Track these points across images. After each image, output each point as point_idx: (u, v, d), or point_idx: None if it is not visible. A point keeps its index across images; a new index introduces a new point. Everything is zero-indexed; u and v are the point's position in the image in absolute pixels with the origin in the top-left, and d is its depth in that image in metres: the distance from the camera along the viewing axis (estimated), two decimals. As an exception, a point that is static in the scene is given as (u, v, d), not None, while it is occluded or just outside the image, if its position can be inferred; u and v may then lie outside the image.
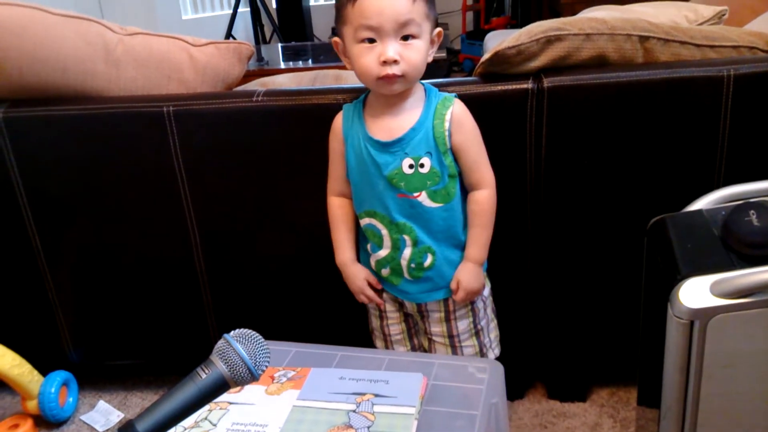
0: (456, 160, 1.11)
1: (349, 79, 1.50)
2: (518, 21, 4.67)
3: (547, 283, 1.37)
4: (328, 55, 3.37)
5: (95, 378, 1.65)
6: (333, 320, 1.43)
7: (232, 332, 0.67)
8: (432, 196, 1.10)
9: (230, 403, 0.91)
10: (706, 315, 0.86)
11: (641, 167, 1.26)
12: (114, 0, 4.39)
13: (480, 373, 0.95)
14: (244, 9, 4.52)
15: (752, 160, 1.23)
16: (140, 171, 1.35)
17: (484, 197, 1.14)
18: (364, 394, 0.90)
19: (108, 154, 1.35)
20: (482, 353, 1.24)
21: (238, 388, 0.88)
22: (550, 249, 1.34)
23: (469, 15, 4.88)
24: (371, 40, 1.03)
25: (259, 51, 3.45)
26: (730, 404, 0.92)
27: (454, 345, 1.22)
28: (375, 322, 1.27)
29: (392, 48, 1.02)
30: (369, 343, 1.32)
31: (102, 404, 1.58)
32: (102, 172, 1.37)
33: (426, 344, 1.26)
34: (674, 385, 0.93)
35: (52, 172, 1.38)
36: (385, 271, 1.17)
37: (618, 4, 1.95)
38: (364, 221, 1.16)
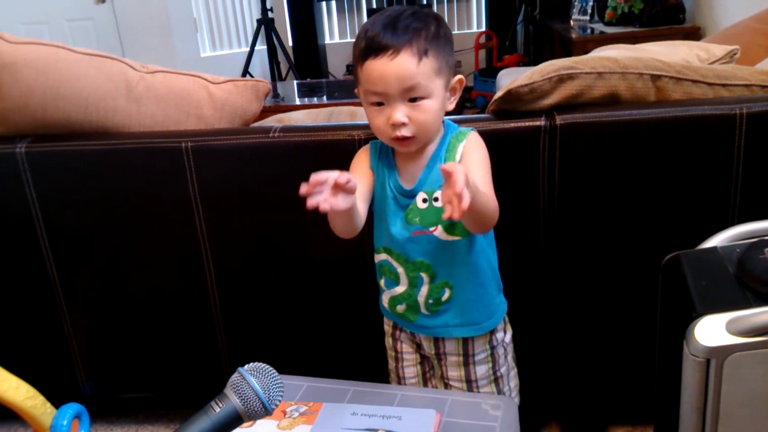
0: None
1: (364, 116, 1.52)
2: (530, 59, 4.74)
3: (562, 320, 1.36)
4: (343, 92, 3.42)
5: (107, 411, 1.65)
6: (346, 355, 1.42)
7: (246, 366, 0.68)
8: (449, 230, 1.09)
9: (242, 438, 0.90)
10: (722, 353, 0.85)
11: (655, 204, 1.26)
12: (135, 39, 4.51)
13: (494, 410, 0.94)
14: (261, 47, 4.62)
15: (766, 197, 1.23)
16: (158, 205, 1.37)
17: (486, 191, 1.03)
18: (376, 430, 0.89)
19: (127, 188, 1.37)
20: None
21: (251, 422, 0.88)
22: (565, 286, 1.33)
23: (482, 53, 4.95)
24: (380, 103, 1.02)
25: (275, 88, 3.51)
26: (749, 445, 0.90)
27: (471, 390, 1.18)
28: (391, 364, 1.25)
29: (400, 112, 1.00)
30: (382, 379, 1.31)
31: (113, 438, 1.58)
32: (120, 206, 1.39)
33: (442, 388, 1.22)
34: (691, 425, 0.91)
35: (71, 205, 1.40)
36: (400, 308, 1.15)
37: (629, 43, 1.97)
38: (381, 257, 1.15)
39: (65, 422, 1.46)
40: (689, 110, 1.22)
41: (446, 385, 1.21)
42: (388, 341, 1.24)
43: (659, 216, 1.26)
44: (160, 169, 1.34)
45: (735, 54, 1.72)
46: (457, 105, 1.11)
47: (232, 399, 0.64)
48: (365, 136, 1.26)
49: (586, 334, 1.37)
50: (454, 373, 1.18)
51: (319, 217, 1.34)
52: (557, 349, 1.39)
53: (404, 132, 1.02)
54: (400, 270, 1.12)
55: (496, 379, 1.20)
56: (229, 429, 0.65)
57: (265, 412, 0.65)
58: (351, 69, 1.08)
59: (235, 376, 0.66)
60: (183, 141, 1.31)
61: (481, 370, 1.18)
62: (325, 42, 5.33)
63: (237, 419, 0.65)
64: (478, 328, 1.15)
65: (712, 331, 0.86)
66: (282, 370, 0.72)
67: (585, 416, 1.47)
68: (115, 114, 1.36)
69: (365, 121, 1.36)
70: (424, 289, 1.12)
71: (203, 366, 1.50)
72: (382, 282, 1.17)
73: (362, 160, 1.14)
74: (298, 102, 3.38)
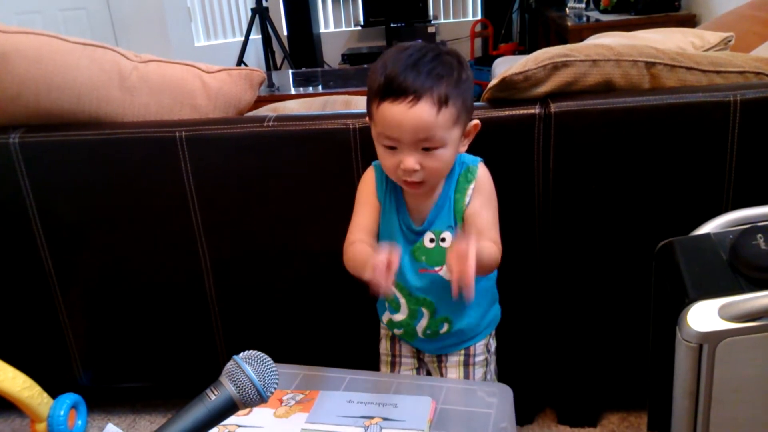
0: (469, 225, 1.05)
1: (359, 104, 1.52)
2: (526, 47, 4.73)
3: (556, 307, 1.37)
4: (338, 81, 3.41)
5: (104, 401, 1.65)
6: (342, 344, 1.43)
7: (241, 354, 0.68)
8: None
9: (239, 426, 0.91)
10: (714, 339, 0.86)
11: (649, 191, 1.26)
12: (128, 28, 4.48)
13: (489, 397, 0.94)
14: (256, 36, 4.59)
15: (759, 184, 1.23)
16: (152, 195, 1.37)
17: (492, 246, 1.02)
18: (372, 417, 0.90)
19: (121, 178, 1.37)
20: None
21: (247, 410, 0.88)
22: (559, 273, 1.34)
23: (478, 41, 4.94)
24: (393, 147, 0.99)
25: (270, 77, 3.49)
26: (740, 429, 0.91)
27: None
28: (384, 370, 1.23)
29: (412, 159, 0.97)
30: (377, 367, 1.32)
31: (111, 427, 1.57)
32: (114, 196, 1.38)
33: None
34: (684, 410, 0.92)
35: (66, 196, 1.40)
36: (398, 331, 1.16)
37: (624, 31, 1.97)
38: None
39: (62, 412, 1.47)
40: (683, 97, 1.22)
41: None
42: (385, 345, 1.23)
43: (653, 203, 1.27)
44: (154, 159, 1.34)
45: (729, 41, 1.72)
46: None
47: (227, 386, 0.65)
48: (360, 125, 1.26)
49: (581, 320, 1.38)
50: (453, 375, 1.18)
51: (314, 208, 1.34)
52: (552, 336, 1.40)
53: (415, 178, 0.99)
54: (402, 301, 1.11)
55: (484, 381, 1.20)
56: (225, 416, 0.65)
57: (261, 399, 0.66)
58: (367, 104, 1.03)
59: (230, 364, 0.66)
60: (177, 131, 1.31)
61: (479, 373, 1.19)
62: (320, 31, 5.30)
63: (232, 407, 0.65)
64: (473, 340, 1.16)
65: (704, 316, 0.87)
66: (278, 359, 0.73)
67: (579, 402, 1.48)
68: (108, 104, 1.36)
69: (360, 110, 1.35)
70: (423, 322, 1.12)
71: (200, 356, 1.51)
72: (386, 304, 1.15)
73: (369, 189, 1.11)
74: (292, 91, 3.36)
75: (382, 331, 1.23)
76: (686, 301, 0.89)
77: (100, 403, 1.64)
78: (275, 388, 0.67)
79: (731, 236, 0.96)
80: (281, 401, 0.95)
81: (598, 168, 1.25)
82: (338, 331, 1.43)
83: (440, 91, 0.95)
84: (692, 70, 1.28)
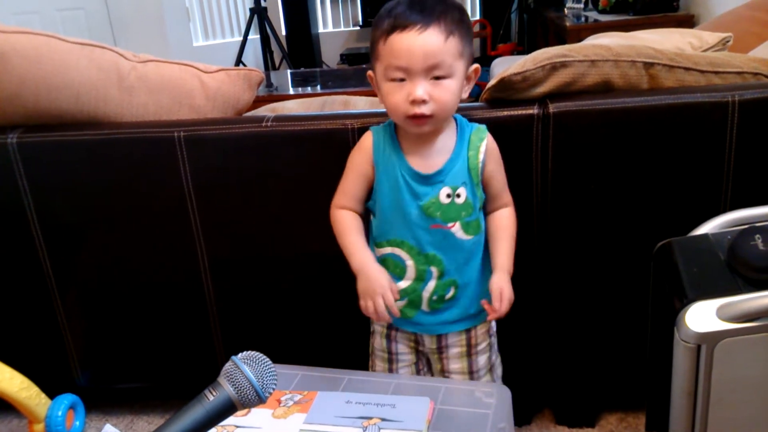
0: (484, 188, 1.11)
1: (358, 105, 1.52)
2: (524, 47, 4.73)
3: (555, 307, 1.37)
4: (337, 81, 3.41)
5: (102, 401, 1.65)
6: (340, 344, 1.43)
7: (240, 354, 0.68)
8: (465, 228, 1.09)
9: (237, 427, 0.91)
10: (712, 339, 0.86)
11: (647, 192, 1.26)
12: (126, 28, 4.48)
13: (487, 398, 0.94)
14: (254, 36, 4.59)
15: (758, 184, 1.23)
16: (151, 195, 1.37)
17: (509, 212, 1.15)
18: (370, 418, 0.90)
19: (119, 178, 1.37)
20: None
21: (245, 411, 0.88)
22: (558, 273, 1.34)
23: (476, 41, 4.93)
24: (401, 79, 1.01)
25: (268, 77, 3.49)
26: (738, 429, 0.91)
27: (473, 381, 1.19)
28: (380, 366, 1.22)
29: (421, 88, 1.00)
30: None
31: (109, 428, 1.57)
32: (113, 196, 1.38)
33: None
34: (682, 410, 0.92)
35: (64, 196, 1.40)
36: (400, 304, 1.13)
37: (623, 31, 1.97)
38: (385, 250, 1.12)
39: (60, 413, 1.47)
40: (682, 98, 1.22)
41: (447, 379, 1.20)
42: (381, 342, 1.22)
43: (651, 203, 1.27)
44: (152, 159, 1.34)
45: (728, 41, 1.73)
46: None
47: (225, 387, 0.65)
48: (359, 125, 1.26)
49: (579, 320, 1.38)
50: (456, 365, 1.18)
51: (313, 208, 1.34)
52: (550, 336, 1.40)
53: (423, 109, 1.01)
54: (410, 263, 1.11)
55: (491, 368, 1.20)
56: (223, 417, 0.65)
57: (259, 400, 0.66)
58: (369, 50, 1.08)
59: (228, 365, 0.66)
60: (175, 131, 1.31)
61: (482, 360, 1.19)
62: (319, 31, 5.30)
63: (231, 407, 0.65)
64: (476, 320, 1.16)
65: (702, 317, 0.87)
66: (276, 359, 0.73)
67: (578, 403, 1.49)
68: (106, 104, 1.36)
69: (359, 110, 1.36)
70: (431, 285, 1.11)
71: (198, 356, 1.51)
72: None
73: (362, 157, 1.12)
74: (291, 91, 3.37)
75: (377, 327, 1.22)
76: (684, 302, 0.90)
77: (98, 403, 1.64)
78: (273, 389, 0.67)
79: (729, 237, 0.97)
80: (279, 402, 0.95)
81: (597, 168, 1.26)
82: (337, 331, 1.43)
83: (446, 22, 1.00)
84: (690, 70, 1.28)
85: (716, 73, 1.29)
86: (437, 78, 1.01)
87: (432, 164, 1.08)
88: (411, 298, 1.13)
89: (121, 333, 1.52)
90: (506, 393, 0.96)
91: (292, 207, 1.35)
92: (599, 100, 1.23)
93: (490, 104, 1.28)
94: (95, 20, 4.44)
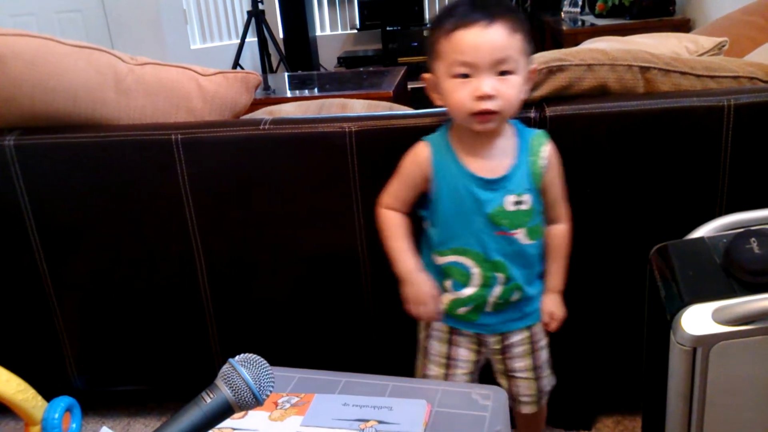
0: (545, 193, 1.12)
1: (355, 108, 1.53)
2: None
3: (551, 310, 1.37)
4: (334, 84, 3.41)
5: (99, 404, 1.65)
6: (337, 346, 1.43)
7: (237, 357, 0.68)
8: (530, 234, 1.09)
9: (234, 429, 0.91)
10: (708, 342, 0.86)
11: (643, 195, 1.27)
12: (124, 31, 4.48)
13: (484, 400, 0.94)
14: (252, 39, 4.59)
15: (753, 188, 1.24)
16: (148, 198, 1.37)
17: (565, 230, 1.16)
18: (367, 420, 0.90)
19: (116, 181, 1.37)
20: (550, 382, 1.24)
21: (242, 413, 0.88)
22: (554, 276, 1.34)
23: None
24: (465, 75, 1.00)
25: (266, 80, 3.49)
26: (734, 432, 0.91)
27: (538, 377, 1.20)
28: (435, 371, 1.20)
29: (488, 83, 0.99)
30: (372, 370, 1.31)
31: (105, 430, 1.58)
32: (110, 199, 1.38)
33: (505, 383, 1.21)
34: (678, 413, 0.92)
35: (61, 198, 1.40)
36: (463, 310, 1.13)
37: (619, 35, 1.98)
38: (448, 259, 1.11)
39: (56, 416, 1.46)
40: (678, 102, 1.23)
41: (510, 378, 1.20)
42: (440, 347, 1.19)
43: (648, 206, 1.27)
44: (149, 162, 1.34)
45: (723, 46, 1.73)
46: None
47: (222, 389, 0.65)
48: (356, 128, 1.26)
49: (575, 324, 1.38)
50: (522, 363, 1.19)
51: (310, 211, 1.34)
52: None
53: (490, 105, 1.00)
54: (475, 270, 1.10)
55: (548, 361, 1.23)
56: (220, 419, 0.65)
57: (256, 402, 0.66)
58: (429, 49, 1.07)
59: (225, 367, 0.66)
60: (173, 133, 1.31)
61: (544, 355, 1.20)
62: (316, 34, 5.31)
63: (228, 410, 0.65)
64: (535, 316, 1.18)
65: (698, 320, 0.87)
66: (274, 362, 0.73)
67: (574, 406, 1.49)
68: (104, 106, 1.36)
69: (356, 113, 1.36)
70: (497, 290, 1.11)
71: (195, 359, 1.50)
72: (448, 284, 1.13)
73: (417, 169, 1.11)
74: (288, 94, 3.36)
75: (436, 332, 1.19)
76: (680, 305, 0.90)
77: (94, 406, 1.63)
78: (271, 391, 0.67)
79: (725, 240, 0.97)
80: (276, 404, 0.95)
81: (593, 172, 1.26)
82: (334, 334, 1.43)
83: (510, 19, 1.00)
84: (686, 74, 1.28)
85: (712, 77, 1.29)
86: (503, 73, 1.00)
87: (494, 168, 1.07)
88: (477, 303, 1.12)
89: (118, 335, 1.51)
90: (503, 395, 0.96)
91: (289, 210, 1.35)
92: (595, 103, 1.23)
93: (487, 108, 1.28)
94: (92, 23, 4.44)
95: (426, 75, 1.09)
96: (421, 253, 1.15)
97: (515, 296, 1.13)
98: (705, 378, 0.88)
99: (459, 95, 1.01)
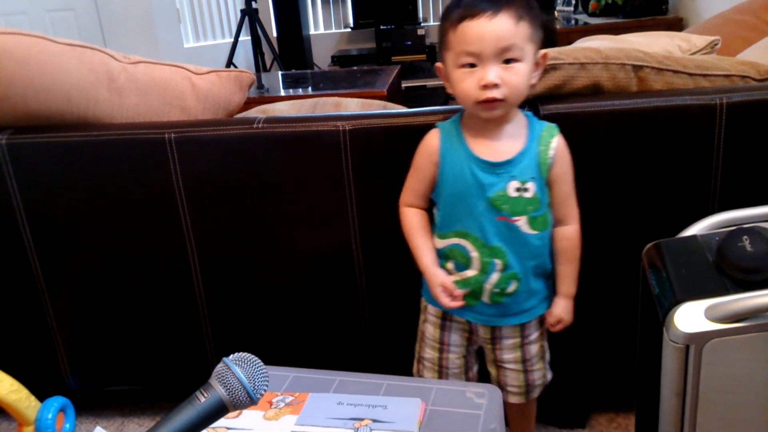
0: (552, 187, 1.12)
1: (349, 106, 1.52)
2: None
3: (545, 308, 1.37)
4: (328, 83, 3.41)
5: (92, 404, 1.64)
6: (331, 345, 1.43)
7: (231, 356, 0.68)
8: (531, 223, 1.10)
9: (228, 429, 0.91)
10: (701, 339, 0.86)
11: (636, 194, 1.27)
12: (116, 29, 4.46)
13: (478, 398, 0.95)
14: (245, 37, 4.58)
15: (745, 186, 1.24)
16: (141, 197, 1.37)
17: (575, 232, 1.16)
18: (362, 419, 0.90)
19: (109, 180, 1.36)
20: (544, 375, 1.24)
21: (237, 412, 0.88)
22: (548, 274, 1.34)
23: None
24: (472, 65, 1.03)
25: (259, 79, 3.48)
26: (727, 429, 0.92)
27: (527, 369, 1.21)
28: (430, 353, 1.23)
29: (493, 72, 1.01)
30: (367, 369, 1.32)
31: (99, 430, 1.57)
32: (103, 197, 1.38)
33: (494, 372, 1.24)
34: (671, 411, 0.93)
35: (54, 197, 1.39)
36: (461, 292, 1.14)
37: (612, 34, 1.99)
38: (450, 241, 1.13)
39: (50, 416, 1.46)
40: (670, 100, 1.23)
41: (499, 368, 1.22)
42: (434, 332, 1.22)
43: (640, 205, 1.28)
44: (143, 161, 1.34)
45: (716, 45, 1.74)
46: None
47: (216, 389, 0.64)
48: (350, 126, 1.26)
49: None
50: (510, 355, 1.20)
51: (304, 209, 1.34)
52: (541, 338, 1.40)
53: (495, 93, 1.02)
54: (475, 254, 1.12)
55: (542, 355, 1.23)
56: (215, 419, 0.65)
57: (250, 401, 0.66)
58: (439, 40, 1.09)
59: (219, 366, 0.66)
60: (166, 132, 1.31)
61: (534, 349, 1.21)
62: (310, 32, 5.30)
63: (222, 409, 0.65)
64: (531, 314, 1.18)
65: (691, 317, 0.88)
66: (268, 361, 0.73)
67: (568, 403, 1.49)
68: (96, 105, 1.35)
69: (350, 112, 1.36)
70: (494, 277, 1.12)
71: (189, 358, 1.50)
72: (449, 265, 1.15)
73: (425, 157, 1.13)
74: (282, 93, 3.35)
75: (429, 316, 1.22)
76: (673, 303, 0.90)
77: (88, 406, 1.63)
78: (265, 390, 0.67)
79: (717, 238, 0.97)
80: (271, 403, 0.95)
81: (586, 170, 1.26)
82: (328, 332, 1.43)
83: (516, 7, 1.02)
84: (679, 73, 1.29)
85: (704, 75, 1.30)
86: (508, 62, 1.02)
87: (500, 153, 1.08)
88: (474, 288, 1.14)
89: (112, 335, 1.51)
90: (497, 393, 0.96)
91: (282, 208, 1.35)
92: (589, 102, 1.24)
93: (480, 106, 1.28)
94: (85, 21, 4.42)
95: (438, 64, 1.12)
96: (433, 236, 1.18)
97: (512, 287, 1.13)
98: (698, 375, 0.88)
99: (465, 85, 1.04)
